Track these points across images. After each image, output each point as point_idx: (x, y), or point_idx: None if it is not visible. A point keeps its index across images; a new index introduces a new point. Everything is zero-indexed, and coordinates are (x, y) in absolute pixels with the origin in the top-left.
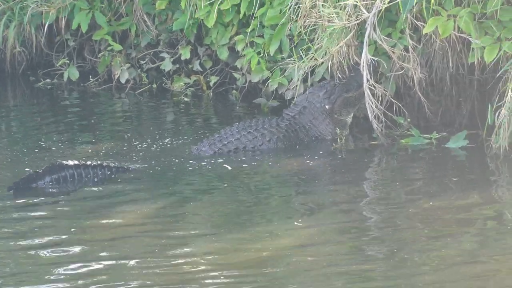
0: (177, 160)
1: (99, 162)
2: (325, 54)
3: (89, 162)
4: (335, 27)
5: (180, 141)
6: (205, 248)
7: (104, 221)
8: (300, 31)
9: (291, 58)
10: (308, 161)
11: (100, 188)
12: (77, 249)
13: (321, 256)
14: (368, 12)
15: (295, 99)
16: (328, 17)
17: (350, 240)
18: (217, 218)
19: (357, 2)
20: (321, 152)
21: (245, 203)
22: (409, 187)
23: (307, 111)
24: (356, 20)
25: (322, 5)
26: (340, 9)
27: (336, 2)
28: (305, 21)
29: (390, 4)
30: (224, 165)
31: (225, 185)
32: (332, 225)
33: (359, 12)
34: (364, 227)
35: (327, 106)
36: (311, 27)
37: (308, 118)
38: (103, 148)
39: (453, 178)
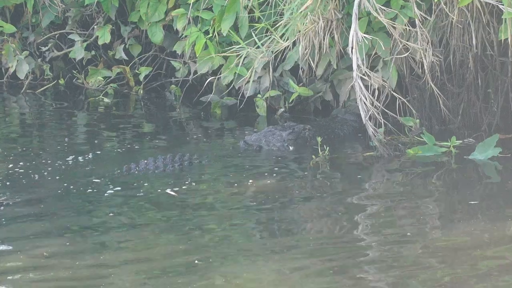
0: (96, 183)
1: None
2: (293, 33)
3: None
4: None
5: (98, 159)
6: None
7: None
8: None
9: (251, 40)
10: (279, 182)
11: None
12: None
13: None
14: None
15: (245, 137)
16: None
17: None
18: (163, 257)
19: None
20: (297, 171)
21: (199, 239)
22: (418, 215)
23: (262, 151)
24: None
25: None
26: None
27: None
28: None
29: None
30: (167, 191)
31: (173, 214)
32: (316, 267)
33: None
34: (358, 270)
35: (291, 148)
36: None
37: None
38: None
39: (480, 202)
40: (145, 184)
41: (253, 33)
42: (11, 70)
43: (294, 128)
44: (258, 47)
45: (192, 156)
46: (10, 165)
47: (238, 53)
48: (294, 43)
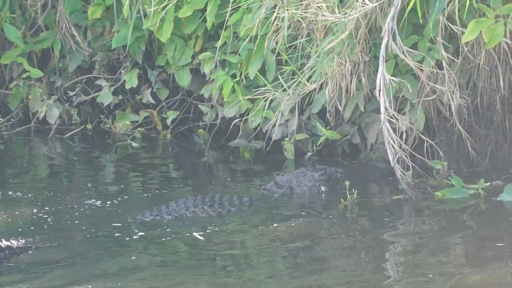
0: (123, 229)
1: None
2: (320, 76)
3: None
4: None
5: (127, 204)
6: None
7: None
8: (287, 44)
9: (278, 82)
10: (307, 224)
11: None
12: None
13: None
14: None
15: (276, 178)
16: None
17: None
18: None
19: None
20: (324, 212)
21: (225, 280)
22: (447, 257)
23: (294, 193)
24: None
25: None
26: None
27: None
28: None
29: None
30: (194, 234)
31: (202, 255)
32: None
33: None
34: None
35: (323, 188)
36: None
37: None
38: (18, 216)
39: (508, 244)
40: (171, 228)
41: (279, 76)
42: (41, 115)
43: (326, 170)
44: (285, 90)
45: (242, 199)
46: (38, 209)
47: (265, 96)
48: (321, 86)
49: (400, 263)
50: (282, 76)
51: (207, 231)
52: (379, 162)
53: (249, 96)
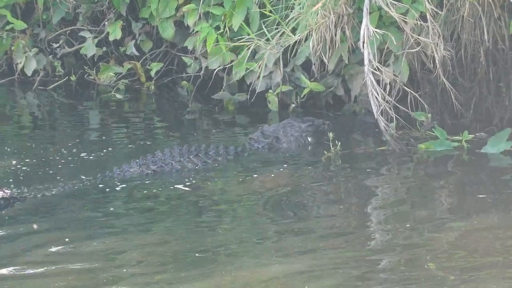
0: (108, 180)
1: None
2: (305, 27)
3: None
4: None
5: (110, 155)
6: None
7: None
8: None
9: (261, 33)
10: (292, 176)
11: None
12: None
13: None
14: None
15: (263, 127)
16: None
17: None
18: (168, 260)
19: None
20: (309, 164)
21: (209, 237)
22: (431, 209)
23: (280, 143)
24: None
25: None
26: None
27: None
28: None
29: None
30: (176, 185)
31: (179, 211)
32: (330, 264)
33: None
34: (373, 269)
35: (309, 139)
36: None
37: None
38: (1, 167)
39: (493, 196)
40: (155, 178)
41: (263, 25)
42: (19, 67)
43: (313, 121)
44: (269, 40)
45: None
46: (21, 160)
47: (248, 45)
48: (305, 38)
49: (383, 210)
50: (266, 25)
51: (192, 180)
52: (367, 117)
53: (234, 44)
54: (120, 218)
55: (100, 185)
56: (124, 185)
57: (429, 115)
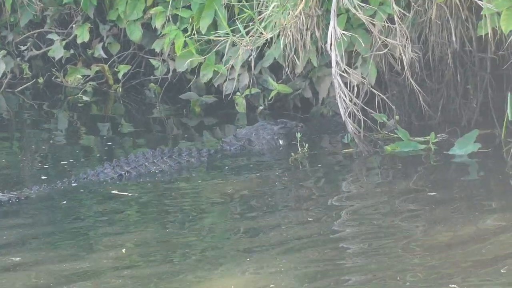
0: (79, 185)
1: None
2: (275, 27)
3: None
4: None
5: (79, 159)
6: None
7: None
8: None
9: (228, 34)
10: (260, 179)
11: None
12: None
13: None
14: None
15: (236, 131)
16: None
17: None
18: (139, 260)
19: None
20: (276, 165)
21: (179, 238)
22: (398, 213)
23: (253, 146)
24: None
25: None
26: None
27: None
28: None
29: None
30: (147, 186)
31: (151, 213)
32: (298, 268)
33: None
34: (341, 271)
35: (281, 142)
36: None
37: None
38: None
39: (459, 199)
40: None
41: (238, 22)
42: None
43: (286, 124)
44: (242, 37)
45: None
46: None
47: (220, 42)
48: (273, 40)
49: (352, 220)
50: (235, 25)
51: (162, 180)
52: (336, 118)
53: (209, 38)
54: (91, 220)
55: (75, 187)
56: (98, 187)
57: (397, 117)
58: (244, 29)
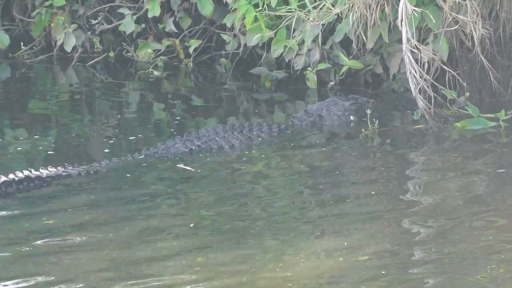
0: (147, 160)
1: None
2: (345, 4)
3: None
4: None
5: (148, 133)
6: (185, 275)
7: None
8: None
9: (300, 11)
10: (330, 155)
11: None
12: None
13: None
14: None
15: (307, 107)
16: None
17: (393, 266)
18: (207, 233)
19: None
20: (347, 142)
21: (248, 212)
22: (468, 190)
23: (323, 122)
24: None
25: None
26: None
27: None
28: None
29: None
30: (218, 161)
31: (220, 189)
32: (368, 245)
33: None
34: (410, 249)
35: (352, 118)
36: None
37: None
38: (40, 145)
39: None
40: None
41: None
42: (59, 43)
43: (357, 100)
44: (310, 12)
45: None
46: (62, 138)
47: (288, 18)
48: (345, 15)
49: (420, 190)
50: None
51: (232, 156)
52: (406, 94)
53: (275, 14)
54: (161, 196)
55: (144, 161)
56: (169, 162)
57: (467, 93)
58: (314, 3)
